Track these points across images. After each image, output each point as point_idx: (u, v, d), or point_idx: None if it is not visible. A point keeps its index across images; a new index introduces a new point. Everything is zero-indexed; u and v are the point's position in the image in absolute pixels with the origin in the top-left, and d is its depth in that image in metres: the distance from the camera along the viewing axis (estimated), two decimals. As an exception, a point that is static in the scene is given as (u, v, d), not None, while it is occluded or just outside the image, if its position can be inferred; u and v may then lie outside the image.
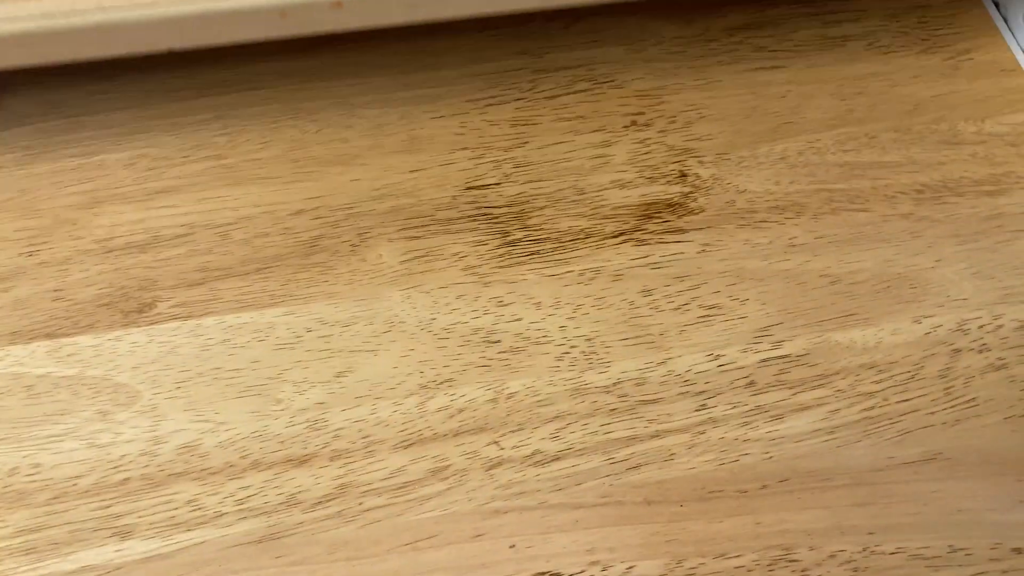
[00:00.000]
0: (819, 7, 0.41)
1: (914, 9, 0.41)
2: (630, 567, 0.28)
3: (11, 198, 0.35)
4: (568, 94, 0.38)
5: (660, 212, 0.35)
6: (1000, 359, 0.32)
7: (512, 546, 0.28)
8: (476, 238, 0.34)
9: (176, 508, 0.29)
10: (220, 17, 0.31)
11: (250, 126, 0.37)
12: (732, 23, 0.40)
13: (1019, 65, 0.39)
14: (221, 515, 0.29)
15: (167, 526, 0.29)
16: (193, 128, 0.37)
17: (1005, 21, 0.40)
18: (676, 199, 0.35)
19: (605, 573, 0.28)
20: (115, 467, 0.30)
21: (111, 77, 0.38)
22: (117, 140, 0.36)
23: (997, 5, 0.41)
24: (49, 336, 0.32)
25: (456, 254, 0.34)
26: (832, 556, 0.28)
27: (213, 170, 0.36)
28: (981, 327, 0.32)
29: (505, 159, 0.36)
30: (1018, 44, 0.39)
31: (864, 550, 0.28)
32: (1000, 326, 0.33)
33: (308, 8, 0.31)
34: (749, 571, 0.28)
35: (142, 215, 0.35)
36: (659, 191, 0.35)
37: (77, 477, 0.30)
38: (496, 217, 0.35)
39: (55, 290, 0.33)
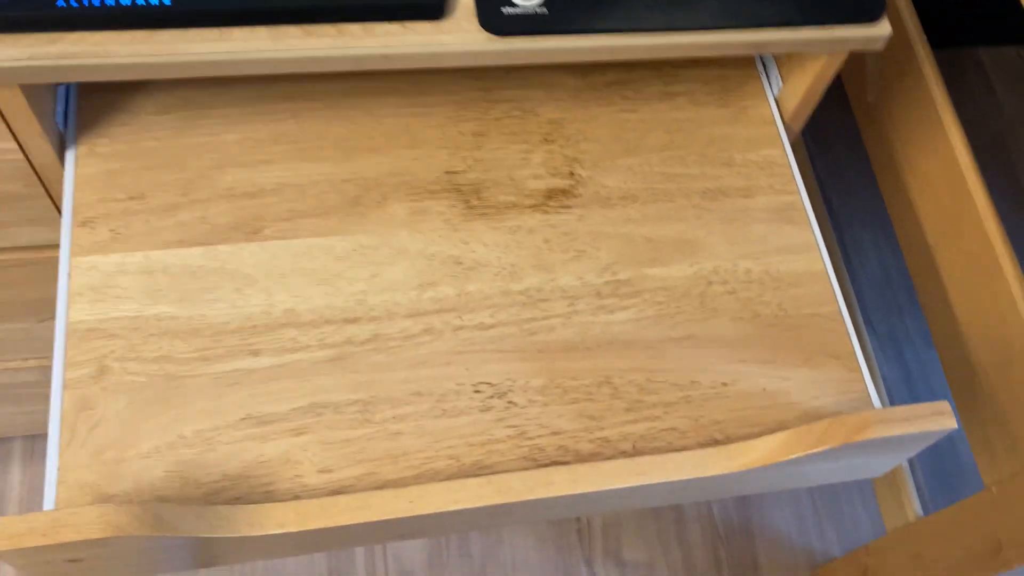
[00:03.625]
0: (663, 72, 0.66)
1: (719, 79, 0.66)
2: (527, 381, 0.54)
3: (168, 160, 0.58)
4: (508, 118, 0.62)
5: (557, 195, 0.60)
6: (732, 288, 0.59)
7: (467, 368, 0.54)
8: (450, 203, 0.59)
9: (284, 342, 0.53)
10: (319, 61, 0.54)
11: (314, 124, 0.60)
12: (609, 79, 0.65)
13: (774, 119, 0.65)
14: (309, 347, 0.53)
15: (279, 350, 0.53)
16: (278, 122, 0.60)
17: (770, 90, 0.66)
18: (566, 188, 0.60)
19: (513, 383, 0.53)
20: (247, 318, 0.53)
21: (226, 82, 0.60)
22: (232, 126, 0.59)
23: (770, 80, 0.67)
24: (202, 244, 0.55)
25: (439, 212, 0.58)
26: (630, 381, 0.55)
27: (292, 150, 0.59)
28: (725, 270, 0.59)
29: (469, 156, 0.61)
30: (776, 106, 0.66)
31: (647, 380, 0.55)
32: (736, 270, 0.59)
33: (369, 59, 0.54)
34: (587, 387, 0.54)
35: (251, 175, 0.58)
36: (557, 182, 0.60)
37: (227, 322, 0.53)
38: (463, 191, 0.59)
39: (201, 217, 0.56)
